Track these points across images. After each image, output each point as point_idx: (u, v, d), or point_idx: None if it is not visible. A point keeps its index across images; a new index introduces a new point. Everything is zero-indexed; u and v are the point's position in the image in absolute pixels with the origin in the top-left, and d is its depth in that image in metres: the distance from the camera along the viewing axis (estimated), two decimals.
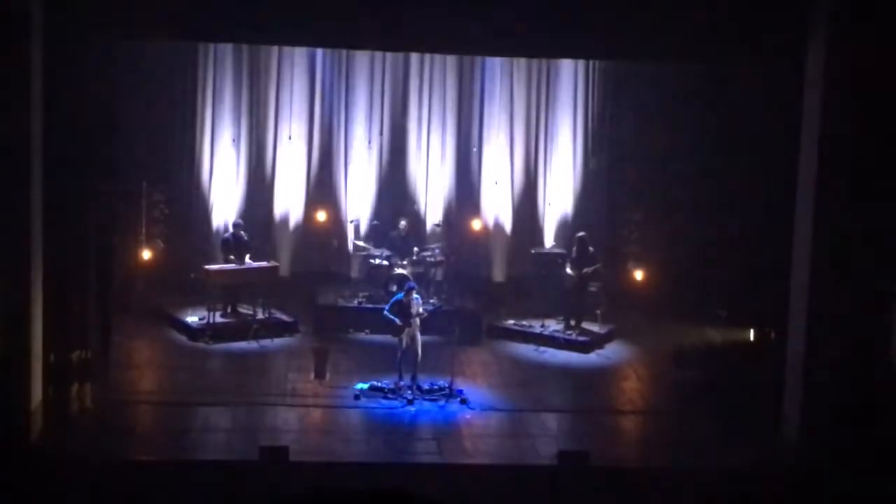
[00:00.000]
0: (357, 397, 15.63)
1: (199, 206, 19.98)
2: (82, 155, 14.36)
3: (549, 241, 20.25)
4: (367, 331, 18.20)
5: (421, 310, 15.98)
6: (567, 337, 18.22)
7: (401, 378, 15.80)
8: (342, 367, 16.64)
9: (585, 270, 18.33)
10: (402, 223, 19.37)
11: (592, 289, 18.85)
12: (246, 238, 18.49)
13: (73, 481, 12.32)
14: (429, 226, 20.23)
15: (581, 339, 18.21)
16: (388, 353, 16.25)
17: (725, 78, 16.58)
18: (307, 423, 15.11)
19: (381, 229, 19.59)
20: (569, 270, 18.51)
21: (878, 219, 13.72)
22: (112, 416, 14.68)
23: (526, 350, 18.14)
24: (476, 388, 16.14)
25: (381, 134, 20.38)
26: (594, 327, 18.51)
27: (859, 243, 13.71)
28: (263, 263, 18.51)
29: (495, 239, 20.53)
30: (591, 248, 18.50)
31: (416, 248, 19.09)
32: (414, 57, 20.12)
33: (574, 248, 18.70)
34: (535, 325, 18.62)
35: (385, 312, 16.05)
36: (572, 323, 18.49)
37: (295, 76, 20.14)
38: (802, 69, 14.16)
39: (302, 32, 15.13)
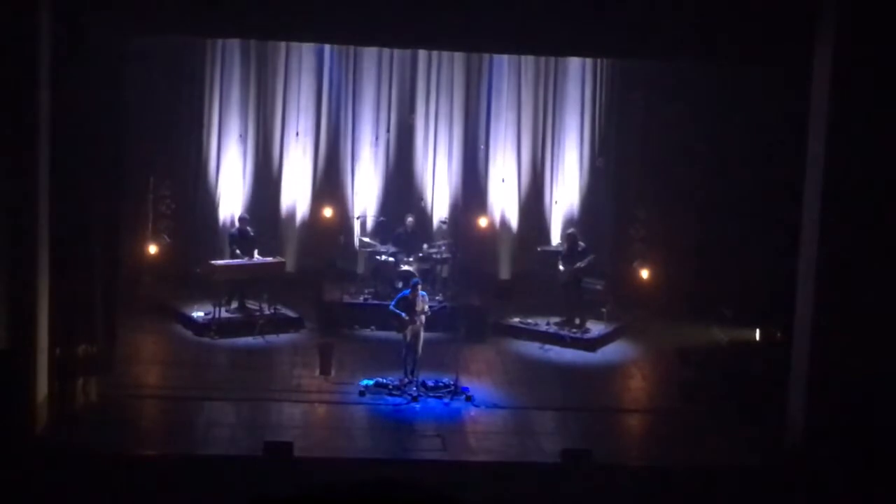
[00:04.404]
0: (362, 393, 15.65)
1: (205, 201, 20.00)
2: (89, 150, 14.38)
3: (555, 238, 20.25)
4: (373, 327, 18.22)
5: (426, 308, 16.00)
6: (572, 335, 18.21)
7: (406, 375, 15.83)
8: (347, 364, 16.66)
9: (578, 265, 18.34)
10: (409, 220, 19.38)
11: (598, 287, 18.84)
12: (252, 233, 18.49)
13: (78, 475, 12.35)
14: (435, 223, 20.25)
15: (586, 337, 18.21)
16: (394, 349, 16.27)
17: (732, 77, 16.57)
18: (312, 418, 15.15)
19: (387, 226, 19.61)
20: (560, 267, 18.53)
21: (885, 219, 13.70)
22: (117, 410, 14.71)
23: (531, 348, 18.14)
24: (481, 386, 16.15)
25: (388, 131, 20.40)
26: (599, 326, 18.50)
27: (866, 243, 13.69)
28: (269, 259, 18.53)
29: (501, 236, 20.54)
30: (581, 244, 18.50)
31: (422, 245, 19.10)
32: (421, 54, 20.13)
33: (564, 245, 18.74)
34: (541, 323, 18.62)
35: (391, 307, 16.09)
36: (577, 321, 18.48)
37: (302, 73, 20.16)
38: (810, 68, 14.14)
39: (310, 29, 15.15)
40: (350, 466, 13.29)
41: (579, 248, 18.48)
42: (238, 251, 18.30)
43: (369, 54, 20.09)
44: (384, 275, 18.77)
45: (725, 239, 17.61)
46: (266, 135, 20.27)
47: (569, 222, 20.18)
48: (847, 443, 13.48)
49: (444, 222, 20.10)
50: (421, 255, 18.90)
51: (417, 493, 3.85)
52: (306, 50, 20.04)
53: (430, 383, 15.87)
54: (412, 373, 15.84)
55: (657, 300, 19.17)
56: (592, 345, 18.13)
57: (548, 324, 18.59)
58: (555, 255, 19.27)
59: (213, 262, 18.31)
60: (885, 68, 13.45)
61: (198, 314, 18.07)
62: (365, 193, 20.29)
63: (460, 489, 12.02)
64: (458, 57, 20.17)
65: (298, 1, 14.29)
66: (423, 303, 16.03)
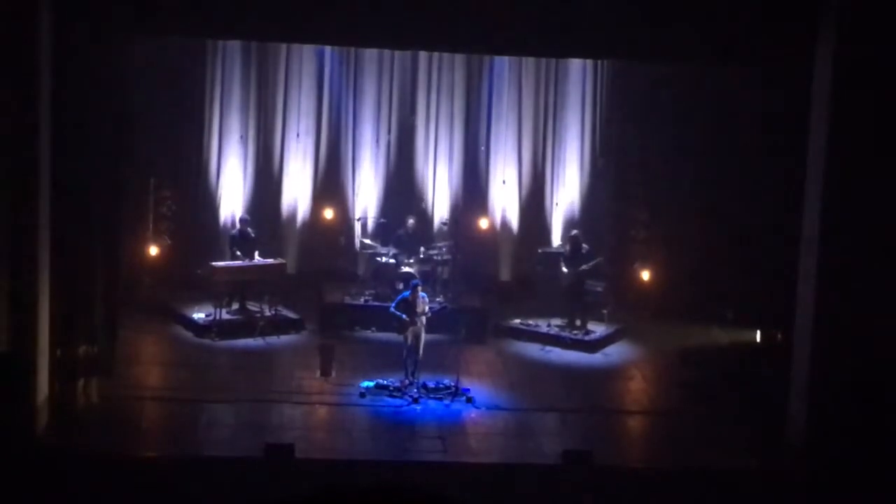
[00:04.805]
0: (362, 395, 15.66)
1: (206, 202, 19.99)
2: (90, 152, 14.39)
3: (556, 240, 20.24)
4: (373, 329, 18.20)
5: (427, 308, 16.01)
6: (573, 336, 18.21)
7: (406, 376, 15.83)
8: (348, 365, 16.65)
9: (583, 267, 18.32)
10: (410, 221, 19.37)
11: (599, 288, 18.83)
12: (253, 234, 18.50)
13: (79, 476, 12.35)
14: (436, 224, 20.24)
15: (587, 338, 18.20)
16: (394, 351, 16.26)
17: (734, 78, 16.56)
18: (312, 420, 15.15)
19: (388, 227, 19.59)
20: (563, 269, 18.52)
21: (886, 220, 13.70)
22: (118, 411, 14.72)
23: (531, 349, 18.13)
24: (481, 387, 16.14)
25: (389, 132, 20.39)
26: (600, 327, 18.50)
27: (867, 244, 13.69)
28: (270, 260, 18.53)
29: (502, 238, 20.52)
30: (584, 246, 18.49)
31: (422, 247, 19.10)
32: (422, 56, 20.12)
33: (567, 247, 18.73)
34: (541, 325, 18.61)
35: (391, 309, 16.09)
36: (578, 323, 18.48)
37: (303, 74, 20.15)
38: (811, 68, 14.14)
39: (311, 31, 15.16)
40: (351, 468, 13.31)
41: (583, 251, 18.47)
42: (239, 252, 18.30)
43: (370, 56, 20.08)
44: (385, 276, 18.76)
45: (726, 240, 17.59)
46: (267, 136, 20.26)
47: (569, 223, 20.16)
48: (848, 444, 13.47)
49: (444, 224, 20.09)
50: (421, 256, 18.90)
51: (419, 497, 3.85)
52: (307, 51, 20.03)
53: (431, 385, 15.87)
54: (413, 374, 15.85)
55: (658, 301, 19.16)
56: (593, 346, 18.12)
57: (548, 325, 18.58)
58: (556, 256, 19.26)
59: (213, 263, 18.30)
60: (886, 68, 13.45)
61: (198, 315, 18.07)
62: (365, 195, 20.28)
63: (461, 491, 12.05)
64: (459, 58, 20.15)
65: (299, 3, 14.29)
66: (424, 304, 16.04)
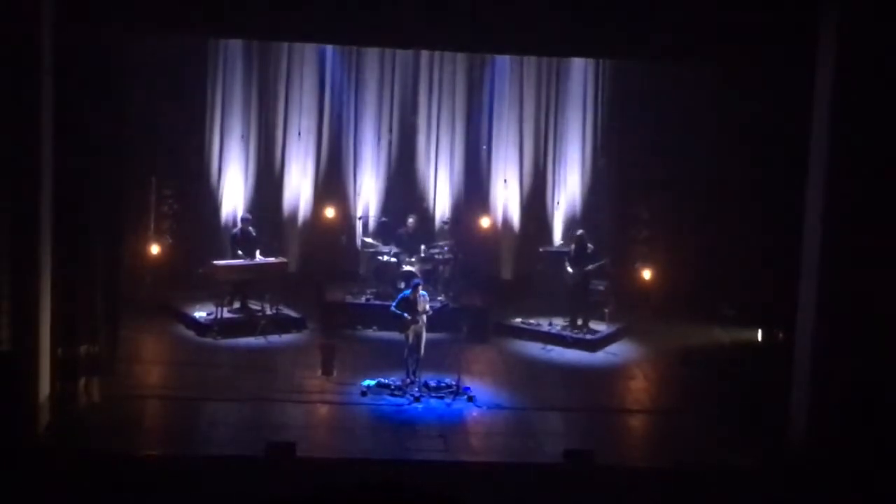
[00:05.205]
0: (364, 394, 15.67)
1: (207, 201, 20.01)
2: (92, 150, 14.39)
3: (557, 239, 20.26)
4: (375, 327, 18.24)
5: (427, 307, 16.01)
6: (574, 335, 18.21)
7: (408, 375, 15.84)
8: (349, 364, 16.67)
9: (589, 268, 18.32)
10: (411, 220, 19.40)
11: (600, 287, 18.85)
12: (254, 233, 18.53)
13: (80, 475, 12.35)
14: (437, 223, 20.25)
15: (588, 337, 18.21)
16: (396, 350, 16.28)
17: (735, 77, 16.55)
18: (314, 419, 15.16)
19: (389, 226, 19.62)
20: (568, 268, 18.51)
21: (888, 219, 13.69)
22: (119, 410, 14.72)
23: (533, 348, 18.15)
24: (483, 386, 16.16)
25: (391, 131, 20.41)
26: (601, 326, 18.50)
27: (869, 243, 13.67)
28: (272, 259, 18.55)
29: (503, 237, 20.55)
30: (590, 246, 18.49)
31: (424, 246, 19.12)
32: (423, 55, 20.15)
33: (573, 247, 18.72)
34: (543, 324, 18.63)
35: (392, 308, 16.10)
36: (579, 322, 18.48)
37: (305, 73, 20.17)
38: (812, 67, 14.13)
39: (312, 30, 15.16)
40: (352, 467, 13.30)
41: (588, 250, 18.46)
42: (240, 251, 18.33)
43: (371, 54, 20.11)
44: (386, 275, 18.79)
45: (727, 239, 17.59)
46: (268, 135, 20.28)
47: (570, 223, 20.18)
48: (847, 444, 13.46)
49: (445, 223, 20.12)
50: (423, 255, 18.92)
51: (420, 496, 3.86)
52: (308, 50, 20.05)
53: (432, 384, 15.89)
54: (414, 373, 15.87)
55: (659, 300, 19.17)
56: (594, 345, 18.13)
57: (550, 324, 18.59)
58: (558, 255, 19.27)
59: (215, 262, 18.33)
60: (887, 69, 13.43)
61: (200, 314, 18.09)
62: (367, 194, 20.32)
63: (462, 490, 12.04)
64: (460, 57, 20.18)
65: (300, 2, 14.29)
66: (425, 303, 16.04)
